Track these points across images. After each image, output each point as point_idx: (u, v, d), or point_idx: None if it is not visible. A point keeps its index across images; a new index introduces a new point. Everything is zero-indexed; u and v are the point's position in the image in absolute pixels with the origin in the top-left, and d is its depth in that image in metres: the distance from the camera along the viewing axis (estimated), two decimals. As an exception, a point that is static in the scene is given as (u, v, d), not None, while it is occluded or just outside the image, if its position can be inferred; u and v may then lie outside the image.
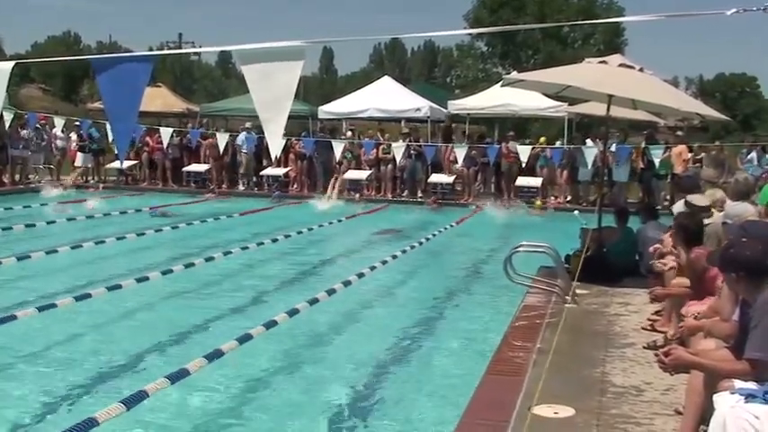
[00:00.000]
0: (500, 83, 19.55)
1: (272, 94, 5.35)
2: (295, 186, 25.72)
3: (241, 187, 26.12)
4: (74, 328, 8.95)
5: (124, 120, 5.85)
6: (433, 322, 9.96)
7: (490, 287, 11.72)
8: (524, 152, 23.77)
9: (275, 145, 5.82)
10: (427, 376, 7.65)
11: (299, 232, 15.86)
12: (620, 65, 11.17)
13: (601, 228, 11.64)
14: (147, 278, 10.43)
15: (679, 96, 12.80)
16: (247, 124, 26.36)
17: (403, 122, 28.56)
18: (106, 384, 7.17)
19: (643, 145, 22.76)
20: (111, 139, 24.70)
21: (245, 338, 7.28)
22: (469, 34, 55.17)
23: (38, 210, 19.13)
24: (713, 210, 8.71)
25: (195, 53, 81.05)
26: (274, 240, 14.58)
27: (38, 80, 71.99)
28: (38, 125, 26.40)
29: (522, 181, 24.16)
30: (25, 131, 25.76)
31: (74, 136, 27.26)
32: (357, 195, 24.50)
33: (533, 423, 5.39)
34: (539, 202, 22.53)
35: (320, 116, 28.50)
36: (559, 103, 24.38)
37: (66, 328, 8.88)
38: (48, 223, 16.01)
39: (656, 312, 8.74)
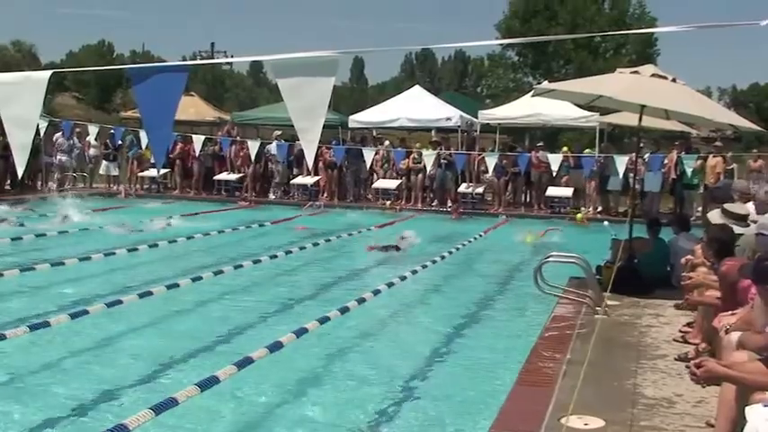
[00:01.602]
0: (531, 93, 19.53)
1: (306, 103, 5.39)
2: (325, 195, 25.79)
3: (272, 196, 26.24)
4: (104, 335, 9.03)
5: (160, 128, 5.91)
6: (462, 332, 9.92)
7: (519, 297, 11.70)
8: (555, 162, 23.69)
9: (311, 153, 5.87)
10: (456, 386, 7.63)
11: (328, 240, 15.91)
12: (653, 75, 11.13)
13: (632, 238, 11.58)
14: (177, 285, 10.51)
15: (712, 107, 12.71)
16: (277, 133, 26.49)
17: (433, 132, 28.59)
18: (135, 391, 7.23)
19: (675, 155, 22.54)
20: (144, 146, 25.04)
21: (275, 347, 7.31)
22: (501, 44, 55.04)
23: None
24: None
25: (228, 63, 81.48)
26: (302, 248, 14.63)
27: (72, 89, 72.77)
28: (72, 133, 26.72)
29: (552, 191, 24.07)
30: (60, 139, 26.10)
31: (102, 144, 27.54)
32: (388, 203, 24.54)
33: (563, 434, 5.37)
34: (580, 215, 21.67)
35: (351, 125, 28.58)
36: (591, 113, 24.31)
37: (96, 335, 8.97)
38: (80, 230, 16.16)
39: (688, 324, 8.69)
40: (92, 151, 27.50)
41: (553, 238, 16.80)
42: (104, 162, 27.26)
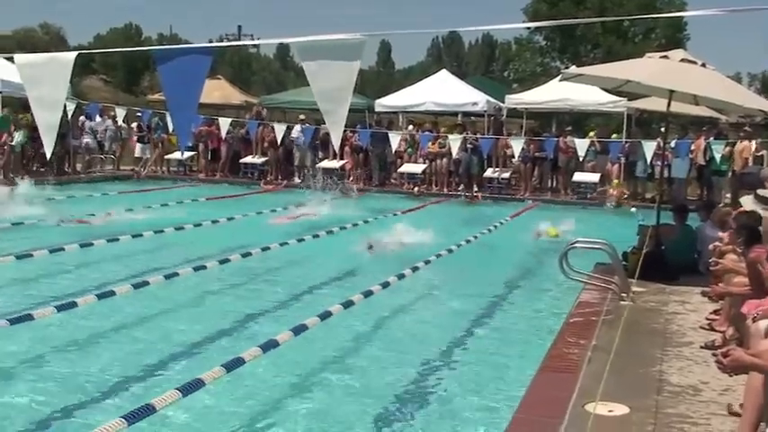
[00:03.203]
0: (558, 77, 19.42)
1: (332, 85, 5.37)
2: (351, 179, 25.77)
3: (297, 180, 26.26)
4: (131, 315, 9.10)
5: (184, 110, 5.92)
6: (486, 318, 9.91)
7: (545, 283, 11.66)
8: (582, 147, 23.56)
9: (337, 136, 5.85)
10: (480, 372, 7.62)
11: (355, 225, 15.90)
12: (682, 60, 11.01)
13: (659, 225, 11.50)
14: (204, 267, 10.56)
15: (742, 92, 12.57)
16: (301, 117, 26.50)
17: (459, 116, 28.50)
18: (163, 372, 7.28)
19: (703, 141, 22.34)
20: (171, 129, 25.17)
21: (299, 329, 7.34)
22: (528, 28, 54.54)
23: (98, 199, 19.46)
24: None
25: (254, 45, 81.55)
26: (329, 233, 14.61)
27: (100, 71, 73.07)
28: (99, 116, 26.91)
29: (579, 176, 23.95)
30: (87, 121, 26.27)
31: (135, 126, 27.68)
32: (416, 189, 24.50)
33: (587, 421, 5.34)
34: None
35: (377, 109, 28.55)
36: (619, 99, 24.17)
37: (123, 315, 9.05)
38: (107, 214, 16.25)
39: (715, 311, 8.61)
40: (120, 133, 27.69)
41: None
42: (138, 145, 27.45)
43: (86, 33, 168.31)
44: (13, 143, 23.07)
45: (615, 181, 22.98)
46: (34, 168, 24.61)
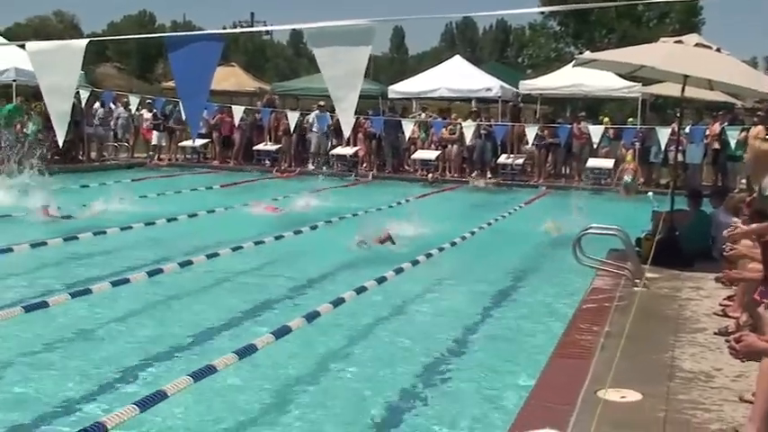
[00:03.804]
0: (572, 63, 19.32)
1: (342, 71, 5.35)
2: (365, 165, 25.78)
3: (311, 167, 26.27)
4: (144, 303, 9.16)
5: (195, 97, 5.91)
6: (499, 303, 9.92)
7: (557, 269, 11.63)
8: (596, 133, 23.47)
9: (347, 123, 5.84)
10: (492, 358, 7.62)
11: (367, 212, 15.90)
12: (697, 44, 10.93)
13: (673, 210, 11.45)
14: (217, 254, 10.57)
15: (757, 77, 12.47)
16: (320, 103, 26.52)
17: (473, 102, 28.43)
18: (174, 359, 7.33)
19: (718, 126, 22.21)
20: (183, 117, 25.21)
21: (312, 316, 7.36)
22: (542, 13, 54.30)
23: (112, 186, 19.51)
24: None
25: (266, 32, 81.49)
26: (342, 218, 14.62)
27: (114, 59, 73.22)
28: (112, 103, 26.99)
29: (593, 162, 23.88)
30: (100, 109, 26.34)
31: (146, 114, 27.71)
32: (430, 175, 24.47)
33: (600, 407, 5.33)
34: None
35: (390, 95, 28.54)
36: (633, 84, 24.06)
37: (137, 303, 9.10)
38: (120, 200, 16.30)
39: (728, 297, 8.57)
40: (132, 121, 27.77)
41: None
42: (155, 132, 27.51)
43: (100, 21, 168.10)
44: (27, 132, 23.15)
45: (629, 157, 22.92)
46: (48, 156, 24.67)
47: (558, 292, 10.41)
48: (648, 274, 9.57)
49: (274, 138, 27.00)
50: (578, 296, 9.05)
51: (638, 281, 9.27)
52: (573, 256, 9.57)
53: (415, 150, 25.72)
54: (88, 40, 6.24)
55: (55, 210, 14.30)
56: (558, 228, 14.46)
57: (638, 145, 23.39)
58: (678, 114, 14.42)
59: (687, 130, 21.84)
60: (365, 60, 5.42)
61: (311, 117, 26.17)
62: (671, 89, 17.37)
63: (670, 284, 9.64)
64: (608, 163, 23.71)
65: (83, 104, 24.25)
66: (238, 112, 25.91)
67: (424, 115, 27.10)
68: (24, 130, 23.09)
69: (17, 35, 53.72)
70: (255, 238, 11.99)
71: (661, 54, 11.07)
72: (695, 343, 7.14)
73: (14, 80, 23.87)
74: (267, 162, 26.68)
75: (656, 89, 24.17)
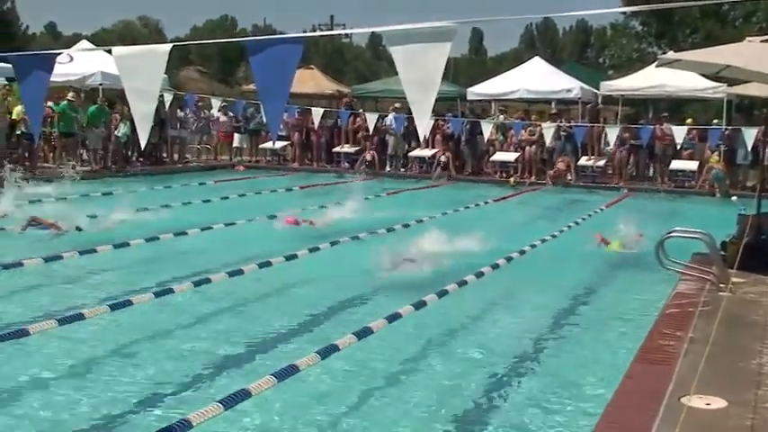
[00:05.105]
0: (655, 63, 19.02)
1: (420, 74, 5.34)
2: (442, 167, 25.73)
3: (388, 168, 26.33)
4: (226, 303, 9.30)
5: (275, 100, 5.98)
6: (579, 307, 9.81)
7: (640, 273, 11.43)
8: (680, 134, 23.05)
9: (423, 126, 5.82)
10: (574, 361, 7.54)
11: (444, 213, 15.87)
12: (785, 43, 10.65)
13: (760, 213, 11.15)
14: (295, 256, 10.64)
15: None
16: (396, 105, 26.57)
17: (553, 104, 28.19)
18: (257, 359, 7.41)
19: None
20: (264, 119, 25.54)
21: (393, 317, 7.38)
22: (624, 13, 53.52)
23: (195, 188, 19.89)
24: None
25: (345, 35, 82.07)
26: (419, 221, 14.57)
27: (196, 62, 74.56)
28: (195, 106, 27.50)
29: (676, 164, 23.45)
30: (183, 112, 26.86)
31: (222, 117, 28.10)
32: (511, 179, 24.30)
33: (684, 414, 5.21)
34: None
35: (469, 97, 28.46)
36: (718, 84, 23.53)
37: (219, 302, 9.25)
38: (204, 202, 16.57)
39: (819, 303, 8.32)
40: (214, 124, 28.27)
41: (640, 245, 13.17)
42: (237, 135, 27.97)
43: (183, 26, 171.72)
44: (118, 134, 23.75)
45: (714, 157, 22.47)
46: (133, 159, 25.27)
47: (639, 297, 10.23)
48: (734, 279, 9.33)
49: (353, 140, 27.16)
50: (661, 301, 8.87)
51: (723, 285, 9.05)
52: (656, 259, 9.40)
53: (494, 152, 25.59)
54: (172, 44, 6.35)
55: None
56: (622, 245, 13.43)
57: (722, 147, 22.91)
58: (766, 113, 14.03)
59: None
60: (443, 63, 5.40)
61: (388, 119, 26.23)
62: (758, 89, 16.94)
63: (757, 289, 9.38)
64: (692, 165, 23.27)
65: (166, 107, 24.74)
66: (317, 114, 26.13)
67: (502, 117, 26.95)
68: (116, 132, 23.68)
69: (103, 40, 55.17)
70: (332, 238, 12.06)
71: (747, 54, 10.80)
72: (783, 350, 6.93)
73: (101, 84, 24.51)
74: (346, 164, 26.82)
75: (741, 89, 23.45)
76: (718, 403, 5.52)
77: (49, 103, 21.88)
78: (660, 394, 5.64)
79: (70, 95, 22.43)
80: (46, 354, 7.16)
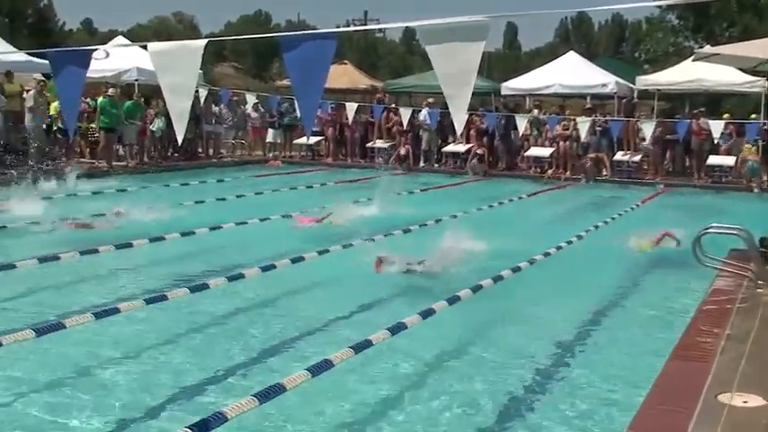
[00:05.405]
0: (692, 57, 18.82)
1: (455, 69, 5.33)
2: (475, 162, 25.65)
3: (422, 163, 26.30)
4: (260, 297, 9.34)
5: (309, 96, 5.99)
6: (615, 302, 9.73)
7: (676, 269, 11.32)
8: (717, 129, 22.81)
9: (460, 121, 5.81)
10: (609, 358, 7.49)
11: (479, 209, 15.83)
12: (826, 36, 10.51)
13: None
14: (327, 251, 10.66)
15: None
16: (430, 100, 26.52)
17: (588, 99, 28.01)
18: (290, 353, 7.44)
19: None
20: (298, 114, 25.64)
21: (427, 313, 7.37)
22: (659, 6, 53.11)
23: (230, 183, 20.00)
24: None
25: (379, 30, 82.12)
26: (453, 216, 14.53)
27: (230, 58, 74.99)
28: (230, 101, 27.65)
29: (713, 160, 23.21)
30: (217, 108, 27.02)
31: (253, 113, 28.22)
32: (549, 172, 24.18)
33: (721, 411, 5.16)
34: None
35: (503, 92, 28.37)
36: (756, 78, 23.30)
37: (253, 296, 9.30)
38: (237, 197, 16.66)
39: None
40: (250, 119, 28.40)
41: (671, 244, 13.00)
42: (271, 130, 28.10)
43: (218, 21, 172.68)
44: (153, 129, 23.93)
45: (748, 146, 22.22)
46: (169, 153, 25.46)
47: (676, 293, 10.16)
48: (773, 276, 9.22)
49: (386, 134, 27.15)
50: (698, 297, 8.78)
51: (761, 282, 8.95)
52: (693, 255, 9.30)
53: (528, 147, 25.48)
54: (207, 40, 6.40)
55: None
56: (645, 246, 12.96)
57: (761, 142, 22.65)
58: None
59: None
60: (478, 57, 5.38)
61: (422, 114, 26.19)
62: (797, 83, 16.77)
63: (796, 286, 9.27)
64: (729, 160, 23.02)
65: (202, 103, 24.89)
66: (351, 109, 26.16)
67: (536, 112, 26.82)
68: (151, 127, 23.87)
69: (138, 36, 55.62)
70: (365, 235, 12.07)
71: (787, 47, 10.69)
72: (823, 348, 6.84)
73: (136, 79, 24.74)
74: (380, 159, 26.83)
75: (780, 83, 23.38)
76: (755, 401, 5.45)
77: (87, 99, 22.11)
78: (697, 391, 5.59)
79: (110, 91, 22.62)
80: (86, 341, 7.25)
